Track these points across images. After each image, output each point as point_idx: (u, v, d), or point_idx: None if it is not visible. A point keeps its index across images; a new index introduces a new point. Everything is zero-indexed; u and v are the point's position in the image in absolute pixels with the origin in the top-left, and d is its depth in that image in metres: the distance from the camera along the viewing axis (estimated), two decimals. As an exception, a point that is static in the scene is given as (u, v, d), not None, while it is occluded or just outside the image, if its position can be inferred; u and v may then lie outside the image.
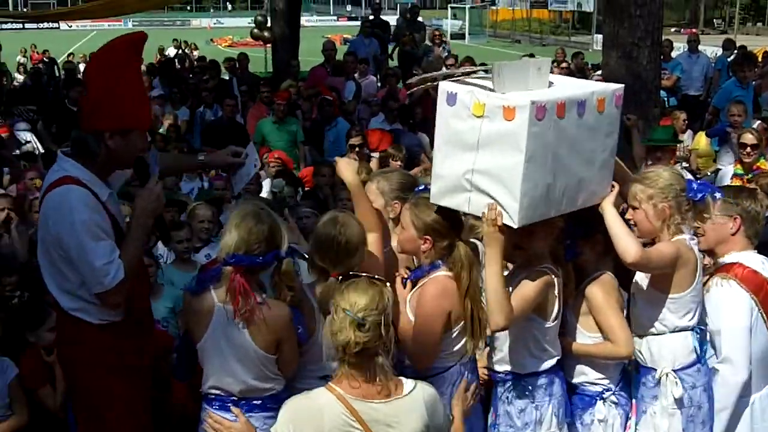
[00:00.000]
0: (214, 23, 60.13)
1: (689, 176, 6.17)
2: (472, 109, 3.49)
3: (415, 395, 3.01)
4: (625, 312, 4.03)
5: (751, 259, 4.15)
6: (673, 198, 3.85)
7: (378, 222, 3.85)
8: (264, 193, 8.01)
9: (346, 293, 3.01)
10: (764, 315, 4.08)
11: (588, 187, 3.71)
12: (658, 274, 3.88)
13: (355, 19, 48.62)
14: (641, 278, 3.99)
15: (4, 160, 8.98)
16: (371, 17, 19.44)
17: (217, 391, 3.72)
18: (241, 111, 12.50)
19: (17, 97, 14.35)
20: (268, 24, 17.86)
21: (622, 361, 4.04)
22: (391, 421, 2.90)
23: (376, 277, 3.14)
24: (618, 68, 8.84)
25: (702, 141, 9.99)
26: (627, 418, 4.05)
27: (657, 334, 3.95)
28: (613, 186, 3.84)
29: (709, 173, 9.26)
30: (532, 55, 4.69)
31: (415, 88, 3.97)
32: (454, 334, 3.81)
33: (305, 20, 35.78)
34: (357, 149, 8.77)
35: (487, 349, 4.17)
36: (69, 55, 27.99)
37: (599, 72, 11.82)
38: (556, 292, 3.80)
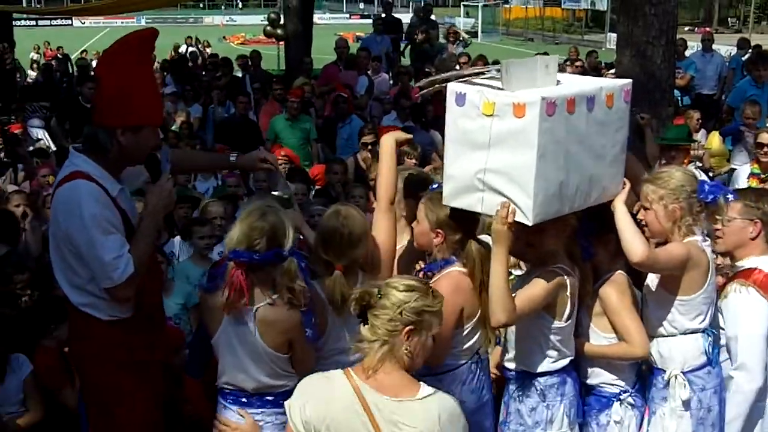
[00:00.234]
0: (227, 21, 60.20)
1: (703, 176, 6.14)
2: (481, 108, 3.49)
3: (427, 402, 2.94)
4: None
5: None
6: (684, 199, 3.83)
7: (393, 194, 3.91)
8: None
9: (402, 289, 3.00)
10: None
11: (600, 183, 3.71)
12: (668, 276, 3.86)
13: (368, 17, 48.56)
14: (652, 280, 3.97)
15: (18, 157, 9.01)
16: (383, 15, 19.43)
17: (231, 387, 3.74)
18: (253, 108, 12.51)
19: (30, 94, 14.38)
20: (281, 21, 17.88)
21: (637, 363, 4.03)
22: (397, 420, 2.88)
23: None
24: (632, 67, 8.81)
25: (715, 140, 9.95)
26: (642, 420, 4.03)
27: (667, 336, 3.93)
28: (624, 183, 3.84)
29: (723, 172, 9.23)
30: (545, 54, 4.68)
31: (425, 91, 3.95)
32: (466, 331, 3.82)
33: (317, 18, 35.78)
34: (369, 147, 8.77)
35: (499, 347, 4.17)
36: (82, 52, 28.09)
37: (612, 71, 11.78)
38: (568, 292, 3.77)
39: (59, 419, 4.99)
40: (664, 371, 3.94)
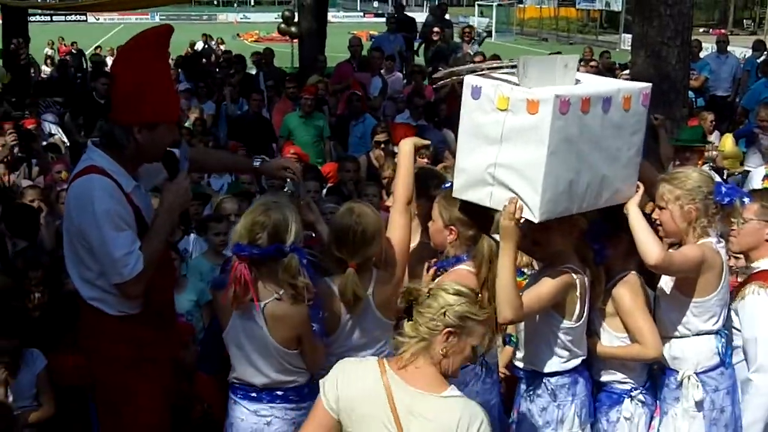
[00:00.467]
0: (241, 18, 60.32)
1: (718, 178, 6.12)
2: (496, 103, 3.49)
3: (451, 402, 2.93)
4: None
5: None
6: (701, 200, 3.81)
7: (411, 195, 3.92)
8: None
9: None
10: None
11: (612, 184, 3.69)
12: (683, 278, 3.84)
13: (382, 15, 48.61)
14: (665, 281, 3.96)
15: (33, 152, 9.04)
16: (395, 14, 19.42)
17: (241, 382, 3.76)
18: (266, 105, 12.52)
19: (44, 90, 14.42)
20: (296, 19, 17.89)
21: (649, 362, 4.02)
22: (415, 410, 2.89)
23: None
24: (646, 68, 8.77)
25: (728, 142, 9.91)
26: (651, 418, 4.03)
27: (680, 337, 3.93)
28: (638, 186, 3.82)
29: (737, 174, 9.20)
30: (559, 53, 4.65)
31: (441, 83, 3.97)
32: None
33: (331, 16, 35.73)
34: (382, 145, 8.77)
35: (509, 347, 4.17)
36: (96, 48, 28.13)
37: (627, 71, 11.74)
38: (578, 292, 3.76)
39: (69, 414, 5.01)
40: (677, 372, 3.93)
